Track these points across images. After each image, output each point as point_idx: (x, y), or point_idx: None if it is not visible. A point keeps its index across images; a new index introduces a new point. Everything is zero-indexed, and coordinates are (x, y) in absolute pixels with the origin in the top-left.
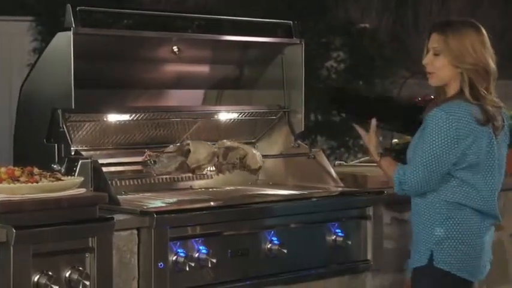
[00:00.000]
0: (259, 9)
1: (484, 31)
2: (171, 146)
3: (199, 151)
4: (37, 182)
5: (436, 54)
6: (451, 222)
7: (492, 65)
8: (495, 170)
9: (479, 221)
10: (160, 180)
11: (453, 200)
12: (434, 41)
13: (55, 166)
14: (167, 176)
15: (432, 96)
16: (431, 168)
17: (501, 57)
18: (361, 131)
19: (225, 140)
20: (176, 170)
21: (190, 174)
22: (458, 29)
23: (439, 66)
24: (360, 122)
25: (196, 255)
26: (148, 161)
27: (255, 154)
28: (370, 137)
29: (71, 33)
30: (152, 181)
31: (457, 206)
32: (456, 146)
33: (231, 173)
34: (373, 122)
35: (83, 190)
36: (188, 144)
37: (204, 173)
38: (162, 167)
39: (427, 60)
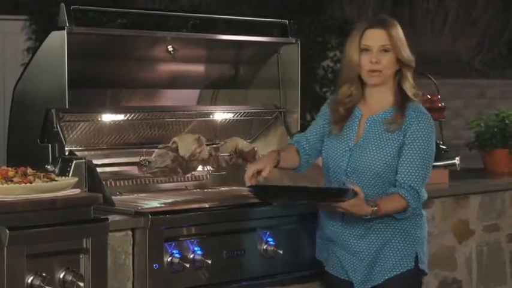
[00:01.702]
0: (255, 9)
1: None
2: (160, 145)
3: (186, 141)
4: (31, 183)
5: (385, 51)
6: (425, 222)
7: None
8: None
9: None
10: (155, 181)
11: (426, 197)
12: (381, 38)
13: (49, 166)
14: (162, 177)
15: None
16: (429, 172)
17: (499, 57)
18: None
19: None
20: (172, 163)
21: (185, 175)
22: (395, 24)
23: (387, 63)
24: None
25: (192, 256)
26: (142, 162)
27: (243, 141)
28: (358, 204)
29: (64, 33)
30: (147, 181)
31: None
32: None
33: (229, 164)
34: (357, 188)
35: (77, 191)
36: (174, 142)
37: (202, 171)
38: (158, 163)
39: (377, 58)
